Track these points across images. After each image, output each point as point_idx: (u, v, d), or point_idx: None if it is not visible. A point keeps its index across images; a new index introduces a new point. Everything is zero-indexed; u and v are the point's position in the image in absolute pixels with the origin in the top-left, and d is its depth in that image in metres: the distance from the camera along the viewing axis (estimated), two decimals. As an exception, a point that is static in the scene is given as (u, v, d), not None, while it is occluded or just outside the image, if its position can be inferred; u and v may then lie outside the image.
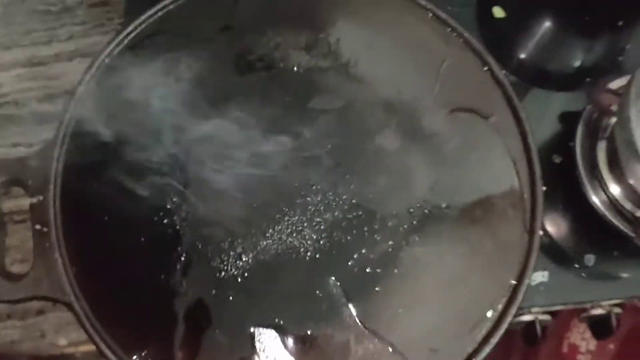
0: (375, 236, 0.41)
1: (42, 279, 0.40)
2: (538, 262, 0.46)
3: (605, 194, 0.48)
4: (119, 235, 0.41)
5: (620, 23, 0.55)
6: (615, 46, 0.55)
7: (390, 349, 0.38)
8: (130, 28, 0.47)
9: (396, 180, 0.44)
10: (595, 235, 0.49)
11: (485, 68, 0.46)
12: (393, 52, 0.47)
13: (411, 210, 0.42)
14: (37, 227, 0.41)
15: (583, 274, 0.47)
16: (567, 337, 0.79)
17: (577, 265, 0.48)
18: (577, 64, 0.55)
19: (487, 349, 0.39)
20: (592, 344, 0.78)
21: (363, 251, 0.41)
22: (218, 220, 0.41)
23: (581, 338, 0.78)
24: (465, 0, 0.55)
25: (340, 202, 0.42)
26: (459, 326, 0.40)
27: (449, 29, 0.47)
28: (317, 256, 0.41)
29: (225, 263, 0.40)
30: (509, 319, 0.40)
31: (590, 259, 0.47)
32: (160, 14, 0.47)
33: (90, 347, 0.47)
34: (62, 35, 0.58)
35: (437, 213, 0.42)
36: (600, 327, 0.49)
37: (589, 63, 0.55)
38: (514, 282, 0.41)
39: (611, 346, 0.78)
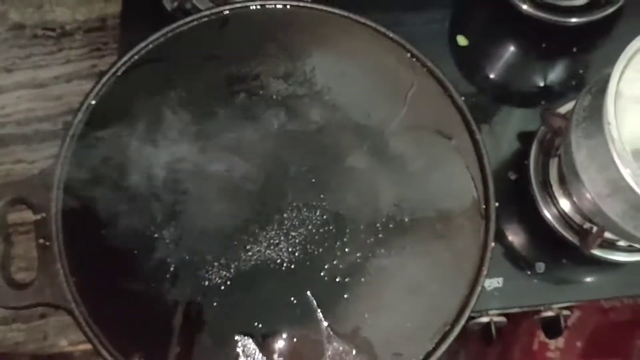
0: (345, 248, 0.46)
1: (45, 288, 0.44)
2: (493, 270, 0.51)
3: (556, 208, 0.53)
4: (114, 248, 0.46)
5: (575, 49, 0.60)
6: (570, 71, 0.60)
7: (355, 351, 0.43)
8: (125, 58, 0.51)
9: (365, 197, 0.48)
10: (546, 245, 0.54)
11: (447, 94, 0.51)
12: (363, 79, 0.52)
13: (377, 224, 0.47)
14: (41, 241, 0.45)
15: (534, 280, 0.53)
16: (537, 336, 0.84)
17: (529, 272, 0.53)
18: (534, 86, 0.60)
19: (443, 347, 0.44)
20: (561, 341, 0.83)
21: (334, 262, 0.45)
22: (203, 235, 0.45)
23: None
24: (431, 31, 0.60)
25: (314, 218, 0.47)
26: (420, 330, 0.45)
27: (414, 59, 0.52)
28: (292, 267, 0.45)
29: (210, 273, 0.45)
30: (462, 321, 0.44)
31: (541, 266, 0.53)
32: (151, 45, 0.51)
33: (88, 346, 0.52)
34: (61, 58, 0.63)
35: (401, 227, 0.47)
36: (550, 328, 0.54)
37: (545, 86, 0.60)
38: (468, 289, 0.46)
39: (578, 344, 0.83)
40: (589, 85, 0.46)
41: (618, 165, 0.40)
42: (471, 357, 0.78)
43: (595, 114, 0.43)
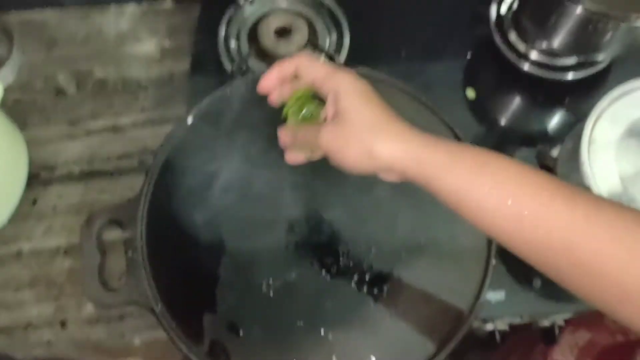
0: (373, 265, 0.57)
1: (132, 290, 0.55)
2: (497, 284, 0.61)
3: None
4: (186, 260, 0.57)
5: (567, 101, 0.71)
6: (562, 120, 0.71)
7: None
8: (194, 110, 0.63)
9: (386, 224, 0.59)
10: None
11: (456, 138, 0.62)
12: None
13: (397, 246, 0.57)
14: (129, 253, 0.57)
15: (532, 294, 0.62)
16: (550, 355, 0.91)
17: (528, 287, 0.62)
18: (533, 132, 0.71)
19: (450, 347, 0.53)
20: (572, 361, 0.90)
21: (359, 276, 0.56)
22: (257, 255, 0.57)
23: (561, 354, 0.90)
24: (447, 80, 0.71)
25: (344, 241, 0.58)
26: (429, 333, 0.54)
27: (428, 109, 0.63)
28: (328, 279, 0.56)
29: (254, 290, 0.56)
30: (465, 329, 0.54)
31: (537, 282, 0.62)
32: (214, 99, 0.63)
33: (159, 343, 0.63)
34: (137, 108, 0.75)
35: (416, 247, 0.57)
36: (547, 336, 0.63)
37: (542, 131, 0.70)
38: (473, 299, 0.55)
39: (588, 364, 0.90)
40: (571, 132, 0.56)
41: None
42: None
43: (574, 156, 0.53)
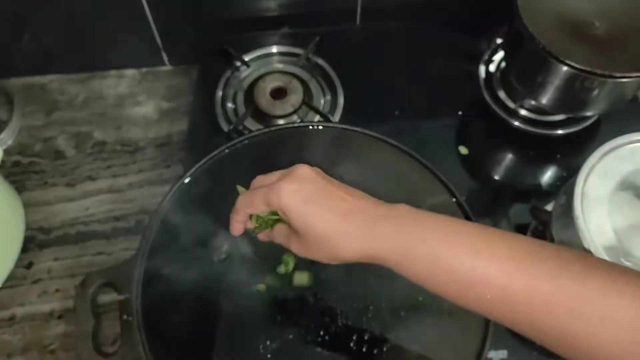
0: (371, 323, 0.56)
1: (127, 355, 0.54)
2: (499, 342, 0.60)
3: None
4: (182, 323, 0.56)
5: (558, 156, 0.72)
6: (555, 174, 0.72)
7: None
8: (192, 170, 0.63)
9: (384, 281, 0.59)
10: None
11: (450, 193, 0.62)
12: (383, 184, 0.63)
13: (396, 304, 0.57)
14: (124, 317, 0.56)
15: (535, 352, 0.61)
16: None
17: (530, 346, 0.61)
18: (526, 186, 0.71)
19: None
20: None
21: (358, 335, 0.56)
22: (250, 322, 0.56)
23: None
24: (441, 137, 0.73)
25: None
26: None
27: (423, 166, 0.64)
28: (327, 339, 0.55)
29: (251, 353, 0.55)
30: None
31: (539, 340, 0.61)
32: (210, 162, 0.64)
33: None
34: (134, 168, 0.76)
35: (415, 305, 0.57)
36: (551, 395, 0.61)
37: (535, 186, 0.71)
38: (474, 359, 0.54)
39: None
40: (564, 187, 0.57)
41: (587, 249, 0.50)
42: None
43: (568, 210, 0.53)
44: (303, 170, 0.46)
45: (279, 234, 0.49)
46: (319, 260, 0.46)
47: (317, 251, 0.44)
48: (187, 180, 0.63)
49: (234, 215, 0.50)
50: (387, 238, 0.41)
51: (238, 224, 0.50)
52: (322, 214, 0.43)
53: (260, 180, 0.50)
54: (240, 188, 0.53)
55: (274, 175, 0.48)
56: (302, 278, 0.59)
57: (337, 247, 0.43)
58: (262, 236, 0.52)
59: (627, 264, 0.50)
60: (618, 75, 0.60)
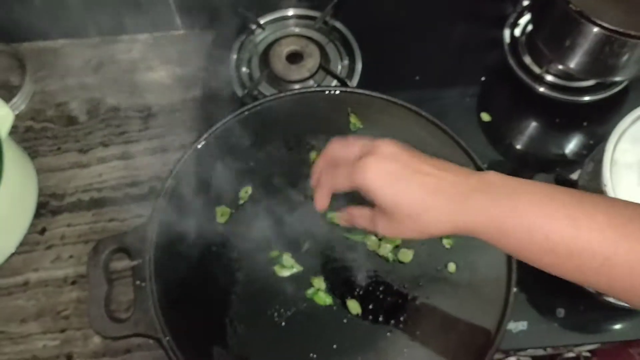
0: (387, 292, 0.55)
1: (139, 321, 0.54)
2: (519, 314, 0.58)
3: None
4: (195, 290, 0.56)
5: (585, 124, 0.69)
6: (581, 142, 0.69)
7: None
8: (205, 134, 0.62)
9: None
10: (565, 293, 0.60)
11: (472, 161, 0.60)
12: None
13: (414, 272, 0.55)
14: (137, 282, 0.55)
15: (555, 324, 0.59)
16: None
17: (551, 317, 0.59)
18: (550, 155, 0.69)
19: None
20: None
21: (375, 304, 0.54)
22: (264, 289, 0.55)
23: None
24: (462, 105, 0.70)
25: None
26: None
27: (444, 133, 0.61)
28: (342, 307, 0.54)
29: (265, 320, 0.54)
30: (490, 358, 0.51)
31: (561, 312, 0.59)
32: (223, 127, 0.63)
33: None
34: (147, 135, 0.75)
35: (435, 272, 0.55)
36: (572, 369, 0.60)
37: (560, 154, 0.69)
38: (494, 329, 0.53)
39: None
40: (591, 154, 0.55)
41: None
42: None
43: (596, 178, 0.51)
44: (387, 147, 0.44)
45: (361, 218, 0.47)
46: (407, 238, 0.45)
47: (406, 229, 0.43)
48: (200, 146, 0.62)
49: (317, 190, 0.48)
50: (479, 211, 0.40)
51: (323, 199, 0.48)
52: (410, 192, 0.42)
53: (338, 148, 0.47)
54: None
55: (355, 146, 0.45)
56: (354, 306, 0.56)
57: (428, 224, 0.42)
58: (343, 221, 0.50)
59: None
60: (652, 36, 0.57)
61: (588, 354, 0.59)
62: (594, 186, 0.51)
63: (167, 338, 0.52)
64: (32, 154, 0.73)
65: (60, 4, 0.77)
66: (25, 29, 0.80)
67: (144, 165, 0.73)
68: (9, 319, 0.64)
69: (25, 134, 0.75)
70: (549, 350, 0.60)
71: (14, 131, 0.64)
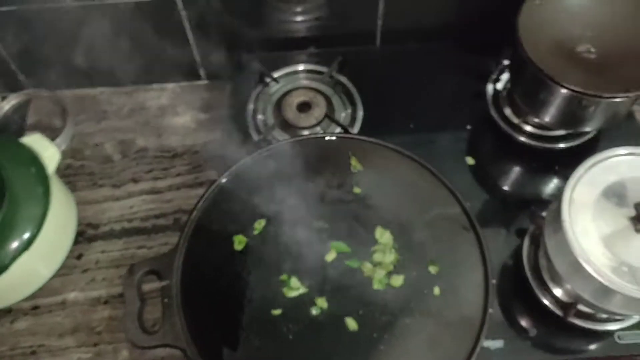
0: (376, 314, 0.63)
1: (167, 333, 0.62)
2: (495, 333, 0.66)
3: (543, 286, 0.68)
4: (215, 307, 0.64)
5: (557, 168, 0.79)
6: (553, 184, 0.78)
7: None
8: (225, 174, 0.72)
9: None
10: (537, 314, 0.68)
11: (456, 200, 0.69)
12: (394, 189, 0.71)
13: (403, 292, 0.64)
14: (165, 300, 0.64)
15: (529, 343, 0.67)
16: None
17: (524, 336, 0.67)
18: (526, 195, 0.78)
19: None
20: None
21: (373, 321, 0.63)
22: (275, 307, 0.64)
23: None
24: (450, 150, 0.80)
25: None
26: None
27: (433, 175, 0.71)
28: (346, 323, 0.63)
29: (276, 334, 0.62)
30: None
31: (533, 331, 0.67)
32: (242, 166, 0.72)
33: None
34: (173, 172, 0.84)
35: (422, 295, 0.64)
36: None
37: (535, 194, 0.78)
38: (472, 344, 0.61)
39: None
40: (556, 194, 0.64)
41: (572, 250, 0.57)
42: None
43: (558, 215, 0.60)
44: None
45: None
46: None
47: None
48: (221, 182, 0.72)
49: None
50: None
51: None
52: None
53: None
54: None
55: None
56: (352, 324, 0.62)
57: None
58: None
59: (624, 269, 0.56)
60: (608, 95, 0.67)
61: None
62: (557, 222, 0.60)
63: (191, 348, 0.61)
64: (71, 188, 0.82)
65: (98, 57, 0.88)
66: (67, 79, 0.91)
67: (170, 199, 0.82)
68: (48, 334, 0.73)
69: (66, 171, 0.85)
70: (524, 367, 0.67)
71: (56, 168, 0.75)
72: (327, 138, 0.75)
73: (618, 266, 0.56)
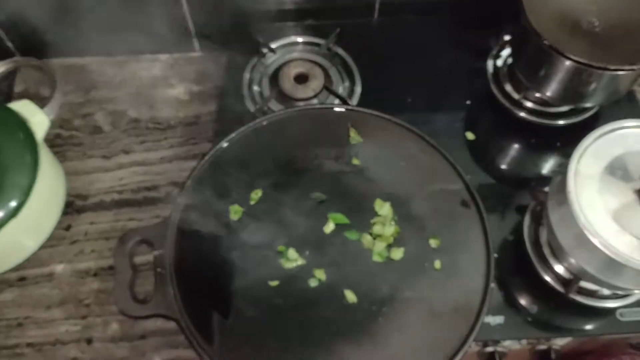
0: (376, 287, 0.62)
1: (160, 303, 0.60)
2: (496, 309, 0.66)
3: (544, 262, 0.67)
4: (210, 277, 0.62)
5: (558, 144, 0.78)
6: (554, 160, 0.77)
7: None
8: (219, 144, 0.70)
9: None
10: (538, 291, 0.67)
11: (457, 174, 0.68)
12: (393, 162, 0.70)
13: (404, 265, 0.63)
14: (158, 269, 0.62)
15: (529, 319, 0.66)
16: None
17: (525, 313, 0.66)
18: (527, 171, 0.77)
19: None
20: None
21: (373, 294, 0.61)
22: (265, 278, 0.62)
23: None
24: (450, 127, 0.79)
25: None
26: (435, 349, 0.59)
27: (434, 149, 0.69)
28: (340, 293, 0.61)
29: (268, 304, 0.61)
30: (466, 347, 0.58)
31: (533, 308, 0.66)
32: (238, 135, 0.70)
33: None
34: (165, 144, 0.82)
35: (423, 268, 0.62)
36: (544, 358, 0.66)
37: (536, 171, 0.77)
38: (473, 319, 0.60)
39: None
40: (560, 168, 0.62)
41: (578, 221, 0.56)
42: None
43: (563, 187, 0.59)
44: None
45: None
46: None
47: None
48: (217, 152, 0.70)
49: None
50: None
51: None
52: None
53: None
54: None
55: None
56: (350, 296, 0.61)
57: None
58: None
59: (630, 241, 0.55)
60: (613, 67, 0.66)
61: (558, 347, 0.66)
62: (561, 195, 0.59)
63: (184, 318, 0.59)
64: (60, 158, 0.80)
65: (88, 25, 0.85)
66: (56, 47, 0.88)
67: (162, 171, 0.80)
68: (35, 306, 0.70)
69: (55, 140, 0.82)
70: (524, 342, 0.67)
71: (44, 137, 0.72)
72: (326, 109, 0.73)
73: (624, 238, 0.55)
